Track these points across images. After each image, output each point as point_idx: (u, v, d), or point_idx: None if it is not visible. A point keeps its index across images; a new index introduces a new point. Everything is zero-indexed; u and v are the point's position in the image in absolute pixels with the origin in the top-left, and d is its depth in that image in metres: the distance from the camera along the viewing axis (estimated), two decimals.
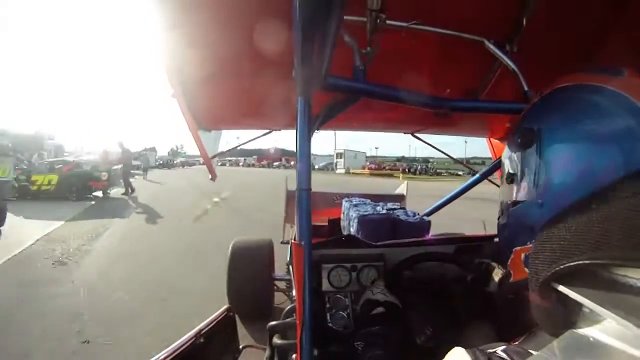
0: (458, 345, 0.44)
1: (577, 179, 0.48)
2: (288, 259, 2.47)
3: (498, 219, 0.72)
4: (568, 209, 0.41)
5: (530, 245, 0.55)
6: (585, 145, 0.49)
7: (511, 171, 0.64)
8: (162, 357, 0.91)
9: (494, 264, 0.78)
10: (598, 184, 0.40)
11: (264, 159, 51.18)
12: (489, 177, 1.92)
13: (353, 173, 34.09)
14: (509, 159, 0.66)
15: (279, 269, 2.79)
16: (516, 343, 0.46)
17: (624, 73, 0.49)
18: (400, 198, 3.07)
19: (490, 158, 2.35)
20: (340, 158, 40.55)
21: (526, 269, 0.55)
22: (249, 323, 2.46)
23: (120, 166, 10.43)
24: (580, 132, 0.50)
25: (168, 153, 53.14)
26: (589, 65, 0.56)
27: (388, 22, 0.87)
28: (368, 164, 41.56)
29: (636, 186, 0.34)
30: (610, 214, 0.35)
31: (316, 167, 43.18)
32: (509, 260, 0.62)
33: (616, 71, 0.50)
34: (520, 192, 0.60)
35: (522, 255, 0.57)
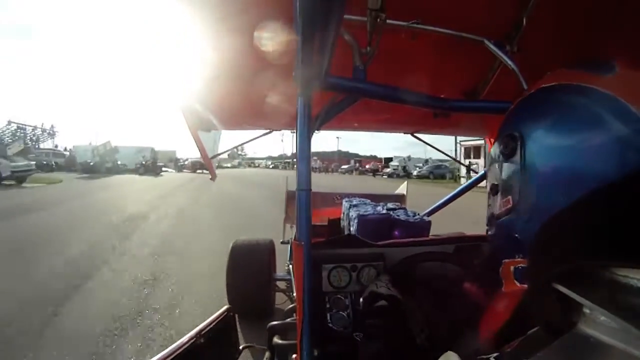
0: (453, 347, 0.44)
1: (558, 192, 0.44)
2: (288, 260, 2.46)
3: (487, 225, 0.70)
4: (567, 210, 0.40)
5: (519, 258, 0.53)
6: (568, 154, 0.44)
7: (494, 182, 0.60)
8: (162, 357, 0.91)
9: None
10: (579, 196, 0.38)
11: (325, 160, 47.47)
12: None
13: None
14: (491, 169, 0.62)
15: (280, 269, 2.79)
16: (513, 346, 0.46)
17: (615, 69, 0.43)
18: (400, 198, 3.06)
19: None
20: (478, 157, 17.66)
21: (516, 282, 0.53)
22: (249, 323, 2.46)
23: None
24: (563, 140, 0.46)
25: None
26: (576, 61, 0.50)
27: (388, 21, 0.86)
28: None
29: (635, 187, 0.34)
30: (609, 215, 0.35)
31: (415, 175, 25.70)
32: (500, 270, 0.58)
33: (605, 67, 0.44)
34: (503, 205, 0.56)
35: (511, 268, 0.54)
